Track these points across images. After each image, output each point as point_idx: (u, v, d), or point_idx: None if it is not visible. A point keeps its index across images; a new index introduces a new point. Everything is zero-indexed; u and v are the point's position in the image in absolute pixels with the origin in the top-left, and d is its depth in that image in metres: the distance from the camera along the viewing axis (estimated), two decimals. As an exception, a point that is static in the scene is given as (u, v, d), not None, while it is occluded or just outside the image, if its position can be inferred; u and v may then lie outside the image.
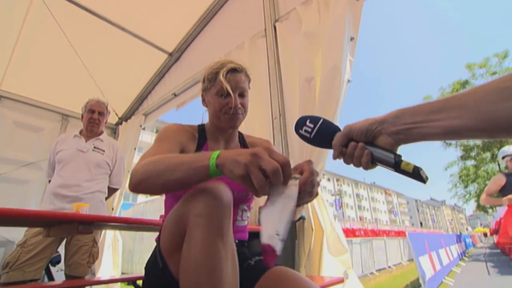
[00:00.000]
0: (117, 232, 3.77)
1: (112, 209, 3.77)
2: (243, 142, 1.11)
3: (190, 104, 3.75)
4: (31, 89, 3.71)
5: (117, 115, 4.52)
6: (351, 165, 0.61)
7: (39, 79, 3.64)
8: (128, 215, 8.43)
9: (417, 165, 0.53)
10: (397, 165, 0.54)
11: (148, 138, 27.61)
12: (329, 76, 2.03)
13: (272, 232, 0.50)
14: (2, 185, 3.44)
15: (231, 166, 0.54)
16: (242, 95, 0.99)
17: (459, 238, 11.24)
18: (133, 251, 7.46)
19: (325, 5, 2.19)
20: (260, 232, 0.51)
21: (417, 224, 67.00)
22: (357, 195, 59.39)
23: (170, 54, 3.84)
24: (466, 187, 28.84)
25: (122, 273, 4.41)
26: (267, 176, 0.51)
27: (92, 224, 1.31)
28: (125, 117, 4.53)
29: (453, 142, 19.51)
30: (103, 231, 3.38)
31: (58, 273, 2.88)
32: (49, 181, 1.99)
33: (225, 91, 0.94)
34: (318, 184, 0.57)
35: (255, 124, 2.43)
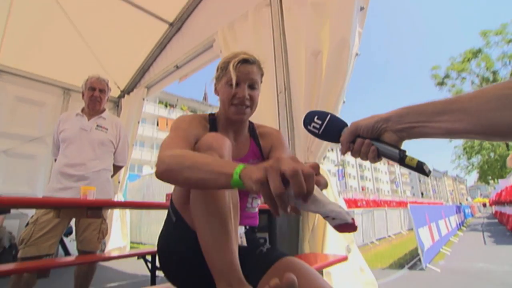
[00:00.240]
0: (125, 205, 3.89)
1: (119, 182, 3.85)
2: (253, 133, 1.09)
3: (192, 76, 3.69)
4: (31, 63, 3.63)
5: (119, 88, 4.45)
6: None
7: (38, 53, 3.55)
8: (134, 187, 8.65)
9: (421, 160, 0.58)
10: (402, 160, 0.58)
11: (151, 109, 27.04)
12: (336, 49, 1.95)
13: (343, 208, 0.51)
14: (10, 160, 3.50)
15: (251, 172, 0.53)
16: (252, 87, 0.97)
17: (458, 209, 11.45)
18: (141, 223, 7.78)
19: (334, -28, 2.03)
20: (329, 212, 0.51)
21: (418, 194, 68.18)
22: (360, 165, 59.85)
23: (171, 24, 3.68)
24: (469, 158, 28.97)
25: (131, 242, 4.63)
26: (286, 182, 0.48)
27: (101, 209, 1.33)
28: (127, 90, 4.47)
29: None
30: (111, 206, 3.48)
31: (71, 243, 3.01)
32: (55, 159, 2.00)
33: (234, 80, 0.93)
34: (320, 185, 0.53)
35: (259, 98, 2.38)
